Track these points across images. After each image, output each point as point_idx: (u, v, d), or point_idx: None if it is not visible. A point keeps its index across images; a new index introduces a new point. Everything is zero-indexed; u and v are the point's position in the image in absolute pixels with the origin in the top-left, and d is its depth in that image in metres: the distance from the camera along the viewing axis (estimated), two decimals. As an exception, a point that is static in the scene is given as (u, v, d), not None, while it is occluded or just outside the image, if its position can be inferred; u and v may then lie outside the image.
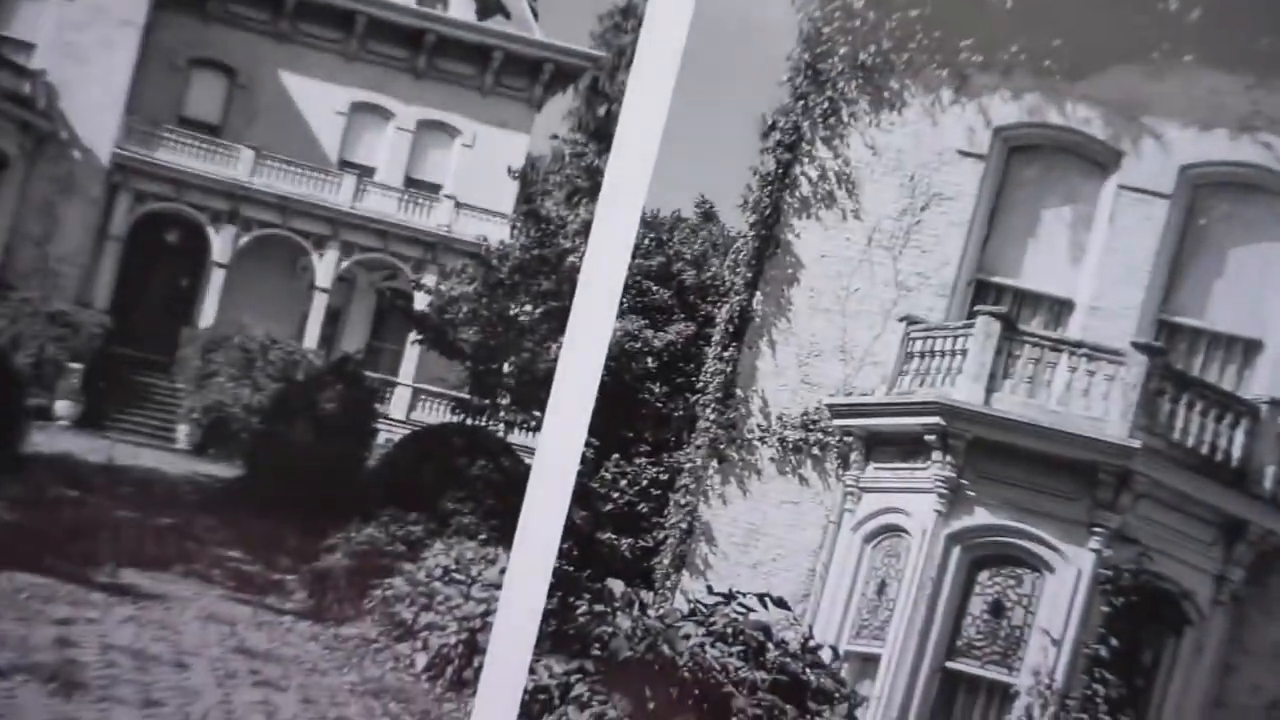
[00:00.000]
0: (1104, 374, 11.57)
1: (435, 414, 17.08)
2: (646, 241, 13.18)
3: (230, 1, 16.10)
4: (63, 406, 15.60)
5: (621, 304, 10.38)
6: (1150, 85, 12.10)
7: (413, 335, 16.97)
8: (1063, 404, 11.63)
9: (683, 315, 14.04)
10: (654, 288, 13.69)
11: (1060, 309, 12.56)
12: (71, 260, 16.36)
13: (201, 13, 15.84)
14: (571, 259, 13.96)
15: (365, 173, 17.00)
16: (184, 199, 16.82)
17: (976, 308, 12.13)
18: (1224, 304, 12.24)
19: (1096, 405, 11.39)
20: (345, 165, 16.88)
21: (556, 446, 10.77)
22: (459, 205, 16.90)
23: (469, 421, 16.01)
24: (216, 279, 17.01)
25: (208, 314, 17.11)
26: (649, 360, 13.87)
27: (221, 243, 16.92)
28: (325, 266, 17.19)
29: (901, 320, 12.40)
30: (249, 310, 17.07)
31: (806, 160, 12.42)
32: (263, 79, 16.10)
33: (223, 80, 16.34)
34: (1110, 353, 11.42)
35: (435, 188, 17.22)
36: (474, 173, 16.88)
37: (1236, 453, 11.63)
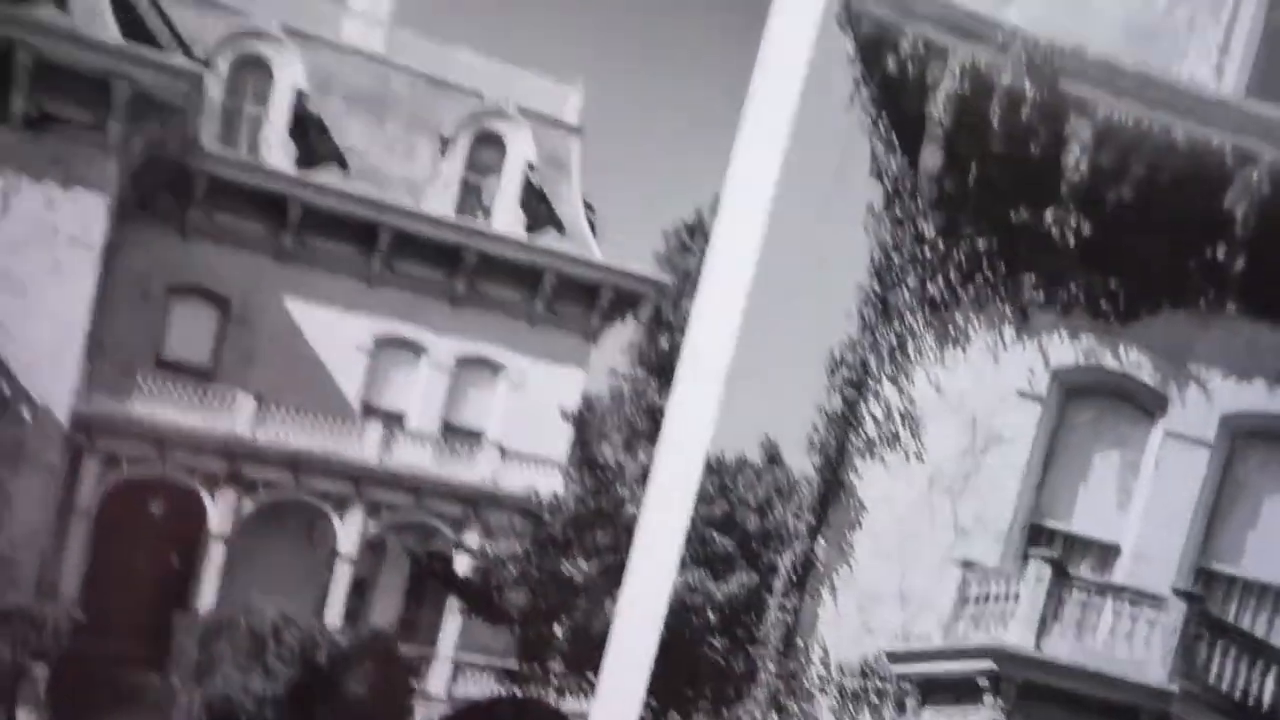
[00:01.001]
0: (1146, 619, 11.64)
1: (479, 687, 14.93)
2: (709, 488, 12.55)
3: (217, 211, 13.31)
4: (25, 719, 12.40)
5: (682, 556, 9.88)
6: (1196, 333, 12.58)
7: (454, 603, 14.87)
8: (1107, 648, 11.83)
9: (745, 564, 13.35)
10: (716, 537, 12.87)
11: (1107, 553, 12.82)
12: (27, 545, 12.99)
13: (179, 227, 13.03)
14: (630, 509, 12.56)
15: (394, 420, 14.63)
16: (169, 461, 13.78)
17: (1030, 551, 12.21)
18: (1259, 552, 12.71)
19: (1139, 649, 11.47)
20: (369, 411, 14.55)
21: (613, 711, 10.10)
22: (505, 453, 14.83)
23: (517, 693, 14.18)
24: (216, 554, 14.22)
25: (206, 595, 14.28)
26: (710, 613, 13.01)
27: (220, 512, 14.10)
28: (349, 531, 14.71)
29: (959, 564, 12.34)
30: (258, 587, 14.17)
31: (873, 398, 12.29)
32: (263, 308, 13.28)
33: (212, 311, 13.41)
34: (1152, 598, 11.61)
35: (477, 434, 15.06)
36: (522, 415, 14.81)
37: (1268, 699, 12.01)
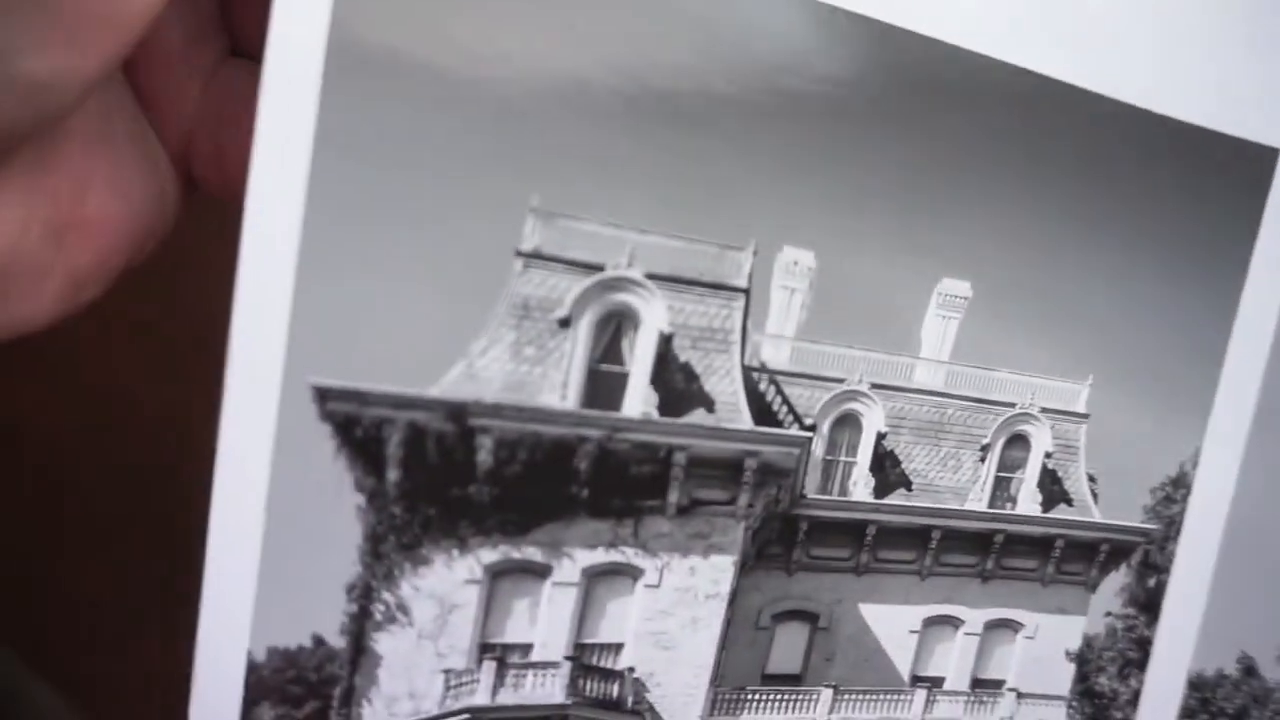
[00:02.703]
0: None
1: None
2: (1192, 703, 13.26)
3: (813, 546, 17.46)
4: None
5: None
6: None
7: None
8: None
9: (1226, 767, 13.69)
10: (1195, 747, 13.49)
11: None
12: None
13: (785, 566, 17.23)
14: (1123, 733, 13.63)
15: (935, 684, 16.72)
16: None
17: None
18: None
19: None
20: (916, 680, 16.59)
21: None
22: (1020, 696, 16.47)
23: None
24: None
25: None
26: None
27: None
28: (902, 785, 17.08)
29: None
30: None
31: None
32: (842, 617, 15.99)
33: (804, 626, 16.42)
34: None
35: (998, 683, 17.04)
36: (1034, 662, 16.88)
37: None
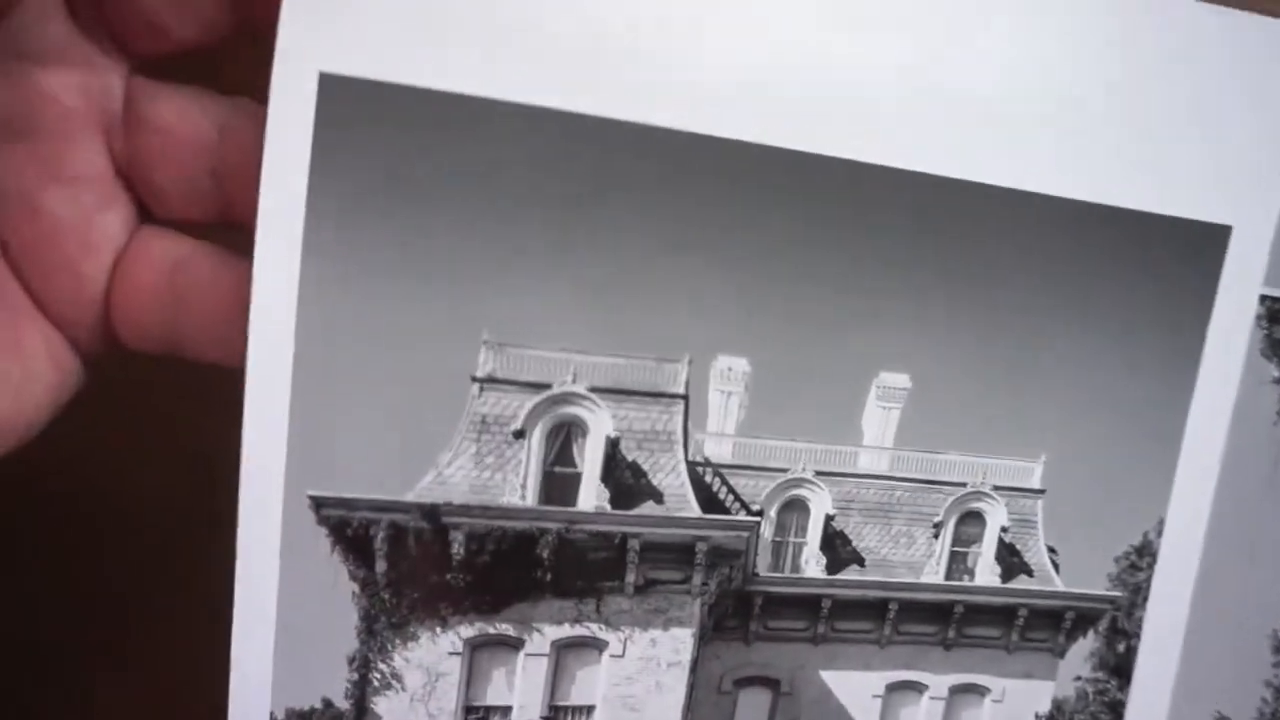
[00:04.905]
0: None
1: None
2: None
3: (769, 619, 17.50)
4: None
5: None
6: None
7: None
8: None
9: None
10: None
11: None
12: None
13: (744, 637, 17.21)
14: (1096, 798, 13.33)
15: None
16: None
17: None
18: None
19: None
20: None
21: None
22: None
23: None
24: None
25: None
26: None
27: None
28: (889, 847, 16.98)
29: None
30: None
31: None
32: (804, 682, 16.25)
33: (767, 693, 16.69)
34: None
35: None
36: None
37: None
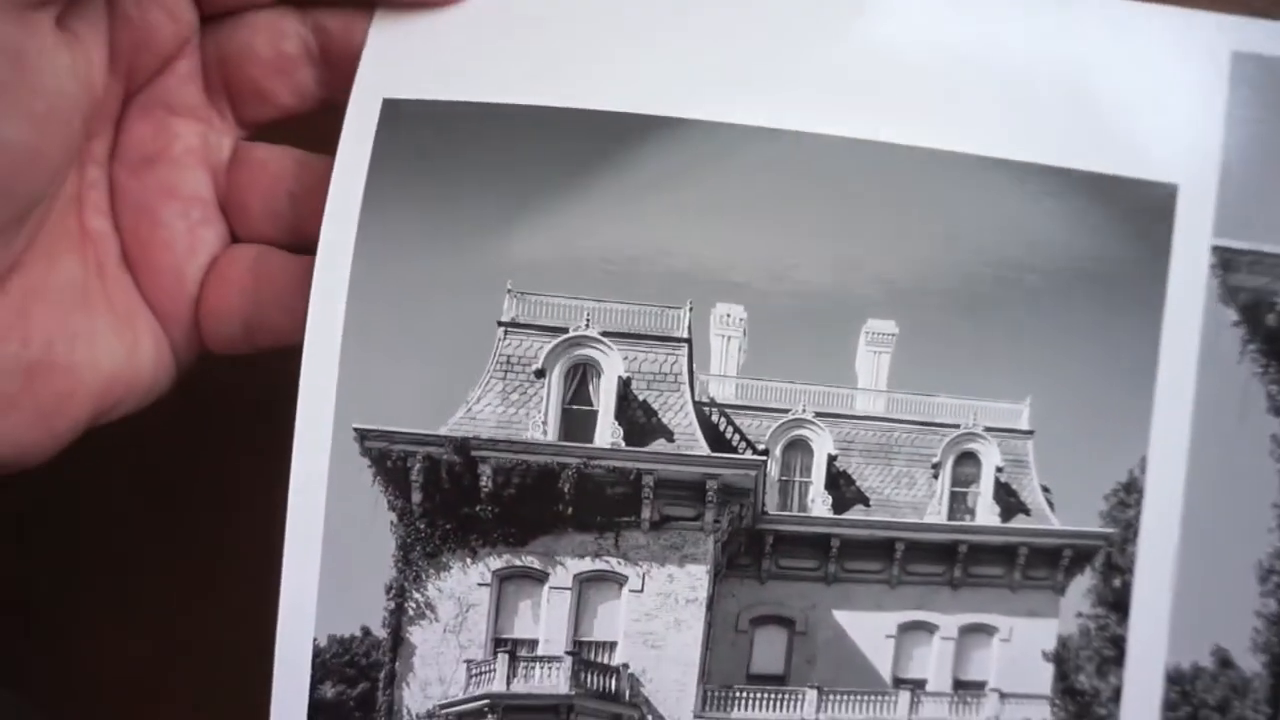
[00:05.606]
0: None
1: None
2: (1173, 695, 12.96)
3: (781, 558, 17.59)
4: None
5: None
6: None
7: None
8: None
9: (1213, 759, 13.35)
10: (1185, 736, 13.23)
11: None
12: None
13: (757, 575, 17.35)
14: (1107, 726, 13.40)
15: (917, 685, 16.90)
16: (752, 750, 17.18)
17: None
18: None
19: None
20: (899, 683, 16.78)
21: None
22: (1003, 696, 16.62)
23: None
24: None
25: None
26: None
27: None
28: (892, 786, 16.97)
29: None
30: None
31: (1304, 594, 12.27)
32: (818, 622, 16.33)
33: (783, 631, 16.71)
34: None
35: (980, 685, 17.16)
36: (1012, 663, 16.83)
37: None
